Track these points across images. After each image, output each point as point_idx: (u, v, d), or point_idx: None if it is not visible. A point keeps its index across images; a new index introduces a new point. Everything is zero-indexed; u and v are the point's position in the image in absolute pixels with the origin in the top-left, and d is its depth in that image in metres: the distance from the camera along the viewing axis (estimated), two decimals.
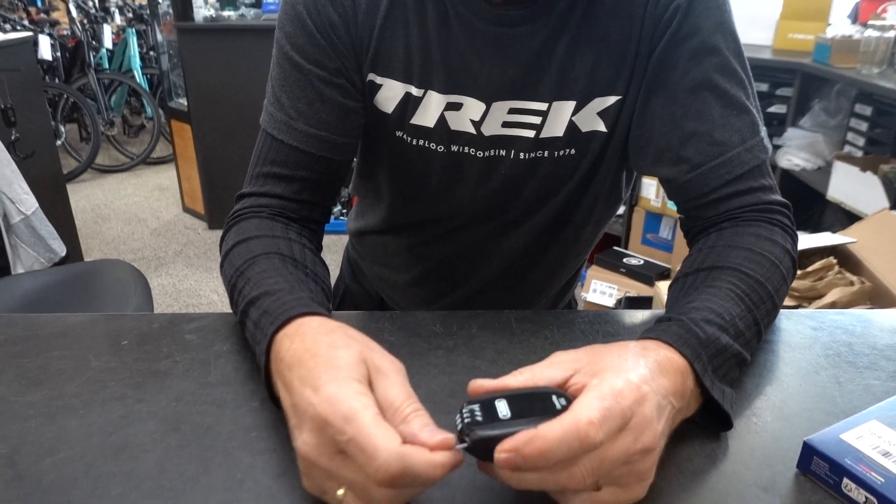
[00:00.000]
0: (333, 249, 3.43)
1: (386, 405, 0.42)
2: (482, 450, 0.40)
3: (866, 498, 0.43)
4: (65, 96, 4.53)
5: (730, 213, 0.66)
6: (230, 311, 0.68)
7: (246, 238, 0.64)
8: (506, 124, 0.70)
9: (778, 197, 0.67)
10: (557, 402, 0.42)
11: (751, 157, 0.65)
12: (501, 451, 0.38)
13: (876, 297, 1.66)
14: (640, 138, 0.70)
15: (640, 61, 0.67)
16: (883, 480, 0.43)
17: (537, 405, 0.42)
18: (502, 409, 0.42)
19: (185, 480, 0.46)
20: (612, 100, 0.69)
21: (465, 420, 0.41)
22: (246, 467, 0.47)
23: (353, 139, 0.72)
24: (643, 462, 0.41)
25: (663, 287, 2.17)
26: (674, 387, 0.46)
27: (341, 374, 0.43)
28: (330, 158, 0.70)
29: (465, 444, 0.40)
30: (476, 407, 0.42)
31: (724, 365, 0.51)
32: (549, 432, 0.38)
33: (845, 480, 0.44)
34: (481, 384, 0.44)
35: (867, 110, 2.31)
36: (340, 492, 0.41)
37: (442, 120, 0.70)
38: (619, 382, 0.42)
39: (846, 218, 2.18)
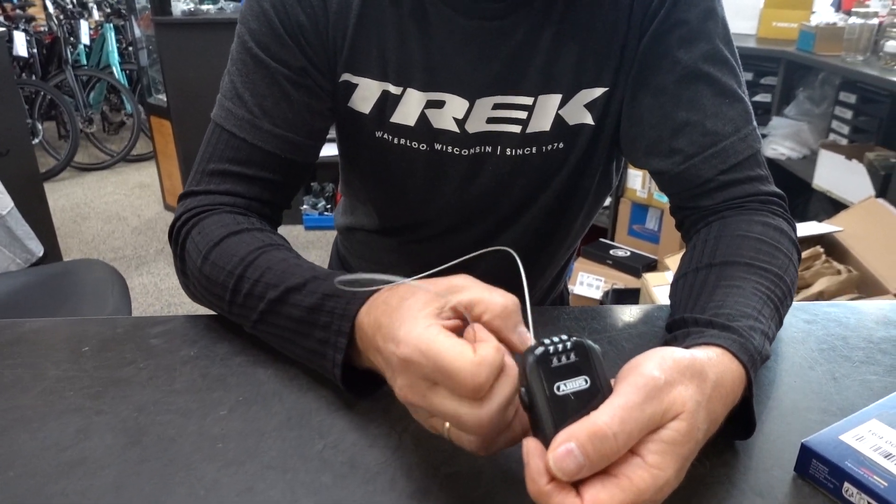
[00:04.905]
0: (319, 245, 3.40)
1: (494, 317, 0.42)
2: (531, 402, 0.37)
3: (868, 503, 0.41)
4: (42, 93, 4.44)
5: (728, 203, 0.63)
6: (198, 313, 0.65)
7: (238, 230, 0.60)
8: (490, 120, 0.67)
9: (774, 188, 0.65)
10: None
11: (745, 147, 0.63)
12: (561, 453, 0.35)
13: (863, 285, 1.65)
14: (631, 130, 0.67)
15: (628, 51, 0.64)
16: (886, 485, 0.41)
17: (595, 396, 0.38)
18: (581, 382, 0.38)
19: (142, 499, 0.43)
20: (598, 91, 0.66)
21: (561, 358, 0.38)
22: (210, 482, 0.44)
23: (318, 142, 0.69)
24: None
25: (650, 279, 2.15)
26: (718, 420, 0.42)
27: (412, 315, 0.42)
28: (293, 160, 0.67)
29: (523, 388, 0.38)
30: (573, 354, 0.38)
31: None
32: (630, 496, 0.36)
33: (846, 484, 0.42)
34: None
35: (851, 98, 2.30)
36: (447, 425, 0.41)
37: (423, 118, 0.67)
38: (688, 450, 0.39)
39: (832, 207, 2.18)
